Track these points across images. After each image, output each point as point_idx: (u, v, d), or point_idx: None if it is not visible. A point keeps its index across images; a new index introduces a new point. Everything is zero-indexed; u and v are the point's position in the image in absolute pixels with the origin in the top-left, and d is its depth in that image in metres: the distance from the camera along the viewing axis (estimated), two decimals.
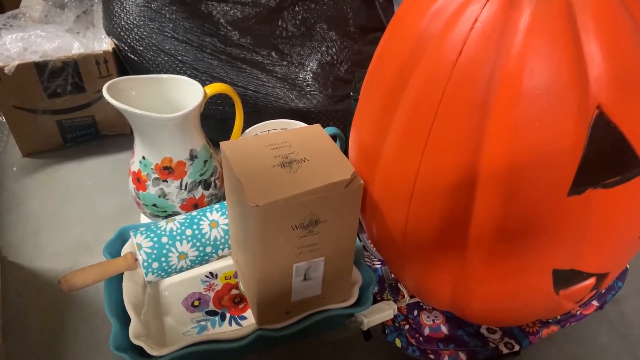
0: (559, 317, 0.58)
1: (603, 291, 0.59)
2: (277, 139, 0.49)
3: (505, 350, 0.56)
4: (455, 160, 0.40)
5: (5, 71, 0.76)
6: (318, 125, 0.52)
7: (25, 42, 0.81)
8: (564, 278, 0.45)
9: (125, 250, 0.58)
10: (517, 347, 0.56)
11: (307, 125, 0.67)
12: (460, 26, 0.39)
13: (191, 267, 0.57)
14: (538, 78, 0.37)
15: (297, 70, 0.81)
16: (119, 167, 0.85)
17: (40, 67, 0.78)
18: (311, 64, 0.82)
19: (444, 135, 0.40)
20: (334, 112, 0.81)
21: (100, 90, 0.83)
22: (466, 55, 0.38)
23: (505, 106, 0.37)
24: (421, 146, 0.42)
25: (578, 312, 0.58)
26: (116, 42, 0.82)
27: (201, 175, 0.65)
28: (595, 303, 0.59)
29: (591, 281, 0.47)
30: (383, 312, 0.55)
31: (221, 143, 0.49)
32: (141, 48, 0.80)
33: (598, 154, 0.38)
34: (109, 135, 0.91)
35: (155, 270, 0.55)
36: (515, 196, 0.39)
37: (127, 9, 0.81)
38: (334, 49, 0.82)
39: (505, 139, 0.38)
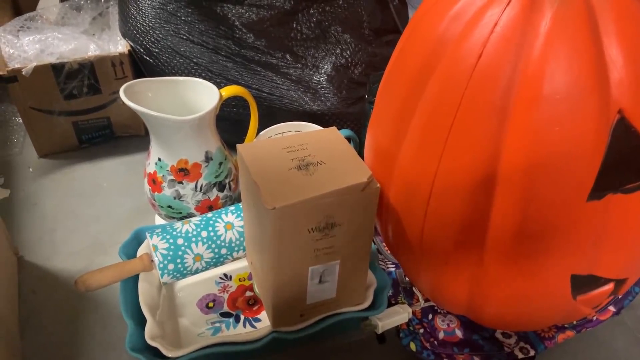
0: (575, 322, 0.57)
1: (620, 297, 0.59)
2: (294, 142, 0.49)
3: (520, 355, 0.55)
4: (473, 163, 0.40)
5: (23, 73, 0.77)
6: (334, 128, 0.52)
7: (42, 44, 0.82)
8: (582, 283, 0.45)
9: (141, 251, 0.58)
10: (532, 352, 0.56)
11: (321, 128, 0.67)
12: (480, 30, 0.39)
13: (206, 268, 0.57)
14: (558, 82, 0.36)
15: (311, 72, 0.81)
16: (134, 168, 0.85)
17: (57, 68, 0.79)
18: (325, 67, 0.82)
19: (462, 138, 0.40)
20: (348, 114, 0.81)
21: (116, 92, 0.84)
22: (486, 59, 0.38)
23: (525, 110, 0.37)
24: (440, 149, 0.42)
25: (594, 318, 0.58)
26: (132, 44, 0.82)
27: (216, 177, 0.65)
28: (612, 308, 0.58)
29: (609, 287, 0.47)
30: (397, 316, 0.55)
31: (238, 145, 0.49)
32: (156, 50, 0.81)
33: (618, 159, 0.38)
34: (123, 136, 0.92)
35: (171, 272, 0.55)
36: (534, 200, 0.39)
37: (143, 11, 0.81)
38: (348, 52, 0.83)
39: (524, 143, 0.38)
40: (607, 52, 0.37)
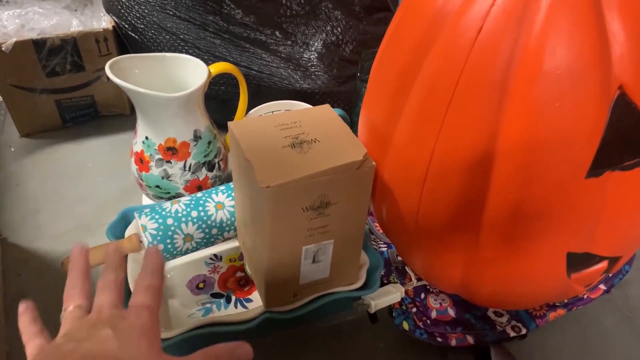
0: (566, 300, 0.58)
1: (611, 275, 0.59)
2: (287, 119, 0.48)
3: (512, 334, 0.56)
4: (472, 141, 0.39)
5: (3, 48, 0.75)
6: (327, 106, 0.51)
7: (22, 19, 0.79)
8: (577, 261, 0.45)
9: (129, 231, 0.57)
10: (524, 331, 0.56)
11: (312, 106, 0.66)
12: (480, 2, 0.38)
13: (197, 249, 0.57)
14: (560, 57, 0.36)
15: (301, 50, 0.80)
16: (120, 148, 0.84)
17: (38, 44, 0.76)
18: (316, 44, 0.80)
19: (461, 115, 0.40)
20: (339, 93, 0.80)
21: (100, 70, 0.82)
22: (486, 33, 0.37)
23: (525, 86, 0.37)
24: (437, 126, 0.41)
25: (585, 296, 0.58)
26: (116, 19, 0.80)
27: (205, 156, 0.64)
28: (602, 287, 0.59)
29: (603, 265, 0.47)
30: (390, 295, 0.55)
31: (229, 123, 0.48)
32: (142, 26, 0.79)
33: (618, 136, 0.38)
34: (108, 115, 0.90)
35: (161, 252, 0.54)
36: (533, 178, 0.39)
37: None
38: (339, 29, 0.81)
39: (524, 120, 0.37)
40: (608, 27, 0.36)
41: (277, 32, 0.80)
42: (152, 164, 0.62)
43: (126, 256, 0.56)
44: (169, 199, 0.65)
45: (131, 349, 0.33)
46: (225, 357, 0.36)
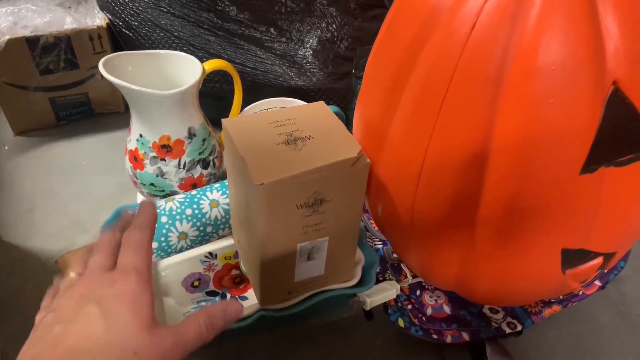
0: (561, 296, 0.58)
1: (606, 271, 0.59)
2: (281, 116, 0.48)
3: (508, 330, 0.56)
4: (466, 137, 0.39)
5: None
6: (322, 103, 0.51)
7: (15, 17, 0.79)
8: (572, 257, 0.45)
9: None
10: (519, 327, 0.56)
11: (307, 103, 0.66)
12: None
13: (191, 247, 0.56)
14: (554, 53, 0.36)
15: (296, 47, 0.79)
16: (114, 146, 0.83)
17: (31, 42, 0.76)
18: (311, 41, 0.80)
19: (455, 112, 0.39)
20: (335, 90, 0.80)
21: (95, 67, 0.81)
22: (480, 29, 0.37)
23: (519, 82, 0.36)
24: (432, 122, 0.41)
25: (581, 292, 0.58)
26: (110, 17, 0.80)
27: (200, 154, 0.64)
28: (597, 283, 0.59)
29: (598, 261, 0.47)
30: (386, 292, 0.55)
31: (223, 120, 0.47)
32: (136, 23, 0.78)
33: (612, 131, 0.37)
34: (103, 113, 0.90)
35: (155, 250, 0.54)
36: (527, 174, 0.39)
37: None
38: (334, 26, 0.81)
39: (518, 116, 0.37)
40: (603, 22, 0.36)
41: (271, 29, 0.80)
42: (147, 161, 0.62)
43: None
44: (164, 196, 0.65)
45: (119, 329, 0.32)
46: (218, 315, 0.36)
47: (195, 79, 0.59)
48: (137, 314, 0.33)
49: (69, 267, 0.38)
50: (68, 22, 0.80)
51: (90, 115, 0.89)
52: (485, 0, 0.37)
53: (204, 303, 0.58)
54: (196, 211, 0.55)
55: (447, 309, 0.58)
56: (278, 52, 0.79)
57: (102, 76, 0.56)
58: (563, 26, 0.35)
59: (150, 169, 0.62)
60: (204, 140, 0.64)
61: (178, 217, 0.54)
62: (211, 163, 0.66)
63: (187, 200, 0.56)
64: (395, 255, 0.64)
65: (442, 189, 0.42)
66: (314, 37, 0.80)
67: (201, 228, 0.55)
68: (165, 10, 0.78)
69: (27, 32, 0.76)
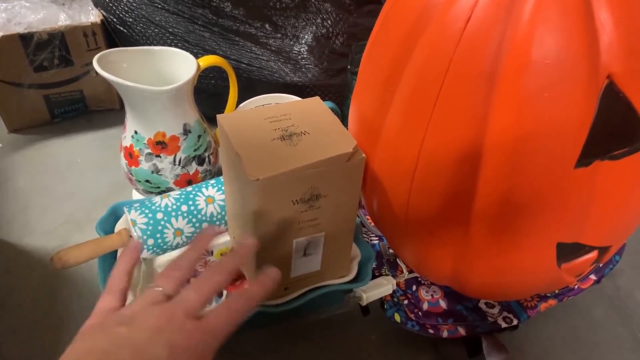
0: (557, 291, 0.58)
1: (601, 265, 0.59)
2: (276, 112, 0.48)
3: (503, 325, 0.56)
4: (461, 132, 0.39)
5: None
6: (317, 98, 0.51)
7: (8, 13, 0.78)
8: (567, 251, 0.45)
9: (119, 226, 0.57)
10: (515, 321, 0.56)
11: (302, 99, 0.66)
12: None
13: (187, 243, 0.56)
14: (548, 47, 0.35)
15: (291, 43, 0.79)
16: (109, 143, 0.83)
17: (25, 39, 0.76)
18: (306, 37, 0.80)
19: (450, 106, 0.39)
20: (330, 86, 0.80)
21: (89, 64, 0.81)
22: (474, 23, 0.37)
23: (514, 76, 0.36)
24: (426, 118, 0.41)
25: (576, 286, 0.58)
26: (104, 13, 0.79)
27: (195, 150, 0.64)
28: (592, 277, 0.59)
29: (593, 254, 0.47)
30: (382, 288, 0.55)
31: (218, 116, 0.47)
32: (130, 20, 0.78)
33: (606, 125, 0.38)
34: (97, 110, 0.89)
35: (151, 247, 0.53)
36: (522, 168, 0.39)
37: None
38: (329, 21, 0.81)
39: (513, 110, 0.37)
40: (596, 16, 0.36)
41: (266, 25, 0.79)
42: (142, 158, 0.62)
43: (116, 252, 0.55)
44: (159, 193, 0.64)
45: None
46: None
47: (190, 75, 0.59)
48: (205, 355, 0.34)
49: (157, 279, 0.37)
50: (62, 18, 0.79)
51: (85, 112, 0.88)
52: None
53: None
54: (192, 207, 0.55)
55: (443, 303, 0.58)
56: (273, 48, 0.79)
57: (96, 73, 0.56)
58: (557, 20, 0.35)
59: (145, 165, 0.62)
60: (199, 136, 0.64)
61: (174, 213, 0.54)
62: (207, 159, 0.65)
63: (183, 196, 0.56)
64: (391, 250, 0.64)
65: (437, 184, 0.42)
66: (309, 33, 0.80)
67: (197, 224, 0.55)
68: (159, 6, 0.77)
69: (20, 29, 0.76)
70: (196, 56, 0.62)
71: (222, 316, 0.36)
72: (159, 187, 0.64)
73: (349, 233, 0.51)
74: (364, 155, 0.44)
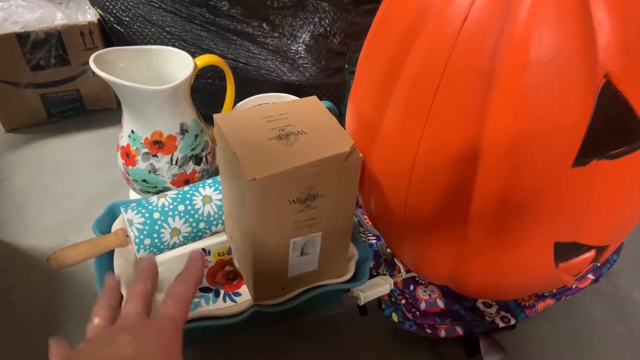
0: (554, 290, 0.58)
1: (599, 264, 0.59)
2: (273, 111, 0.48)
3: (501, 324, 0.56)
4: (458, 131, 0.39)
5: None
6: (314, 97, 0.50)
7: (4, 12, 0.78)
8: (565, 251, 0.45)
9: (115, 226, 0.57)
10: (513, 321, 0.56)
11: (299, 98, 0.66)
12: None
13: (184, 243, 0.56)
14: (546, 46, 0.35)
15: (289, 42, 0.79)
16: (106, 143, 0.83)
17: (21, 38, 0.75)
18: (303, 36, 0.79)
19: (447, 105, 0.39)
20: (328, 85, 0.79)
21: (86, 63, 0.81)
22: (471, 22, 0.37)
23: (511, 75, 0.36)
24: (424, 117, 0.41)
25: (574, 286, 0.58)
26: (101, 12, 0.79)
27: (192, 150, 0.63)
28: (590, 276, 0.59)
29: (591, 254, 0.47)
30: (379, 287, 0.55)
31: (215, 115, 0.47)
32: (127, 19, 0.78)
33: (604, 124, 0.37)
34: (95, 110, 0.89)
35: (147, 247, 0.53)
36: (519, 168, 0.39)
37: None
38: (327, 20, 0.80)
39: (510, 109, 0.37)
40: (594, 15, 0.36)
41: (264, 24, 0.79)
42: (139, 157, 0.62)
43: (113, 252, 0.55)
44: (156, 193, 0.64)
45: (147, 356, 0.33)
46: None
47: (187, 75, 0.59)
48: (166, 350, 0.34)
49: (92, 315, 0.39)
50: (59, 17, 0.79)
51: (82, 111, 0.88)
52: None
53: (197, 299, 0.58)
54: (189, 207, 0.55)
55: (440, 303, 0.58)
56: (270, 47, 0.79)
57: (93, 72, 0.56)
58: (554, 19, 0.35)
59: (142, 165, 0.62)
60: (196, 136, 0.63)
61: (170, 213, 0.54)
62: (204, 159, 0.65)
63: (180, 196, 0.55)
64: (388, 250, 0.64)
65: (435, 184, 0.42)
66: (307, 32, 0.80)
67: (194, 224, 0.55)
68: (156, 5, 0.77)
69: (17, 28, 0.75)
70: (193, 55, 0.62)
71: (170, 301, 0.38)
72: (156, 187, 0.64)
73: (346, 232, 0.51)
74: (361, 154, 0.44)
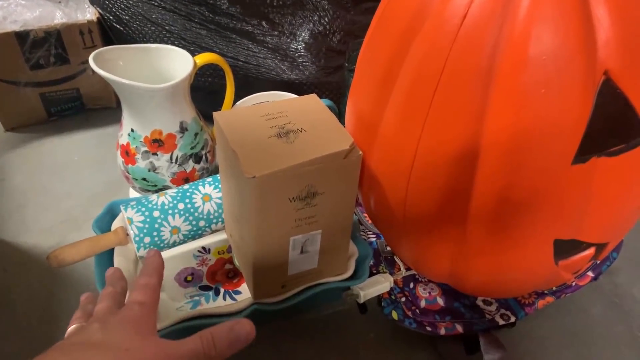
0: (554, 288, 0.58)
1: (598, 262, 0.59)
2: (273, 109, 0.48)
3: (501, 322, 0.56)
4: (458, 129, 0.39)
5: None
6: (314, 95, 0.50)
7: (4, 11, 0.78)
8: (565, 248, 0.45)
9: (115, 224, 0.56)
10: (513, 319, 0.56)
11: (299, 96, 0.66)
12: None
13: (184, 241, 0.56)
14: (545, 43, 0.35)
15: (288, 40, 0.79)
16: (106, 141, 0.83)
17: (21, 37, 0.75)
18: (303, 34, 0.79)
19: (446, 103, 0.39)
20: (327, 84, 0.79)
21: (85, 62, 0.81)
22: (471, 20, 0.37)
23: (510, 73, 0.36)
24: (423, 115, 0.41)
25: (574, 283, 0.58)
26: (101, 11, 0.79)
27: (192, 148, 0.63)
28: (590, 274, 0.59)
29: (591, 251, 0.47)
30: (379, 285, 0.55)
31: (214, 113, 0.47)
32: (127, 17, 0.78)
33: (603, 122, 0.37)
34: (94, 108, 0.89)
35: (147, 245, 0.53)
36: (519, 166, 0.39)
37: None
38: (326, 19, 0.80)
39: (510, 107, 0.37)
40: (594, 12, 0.36)
41: (263, 23, 0.79)
42: (138, 156, 0.62)
43: (113, 250, 0.55)
44: (156, 191, 0.64)
45: (116, 336, 0.34)
46: (223, 336, 0.36)
47: (187, 73, 0.59)
48: (137, 328, 0.35)
49: (70, 322, 0.40)
50: (58, 16, 0.79)
51: (82, 110, 0.88)
52: None
53: (197, 298, 0.58)
54: (189, 205, 0.55)
55: (440, 301, 0.58)
56: (270, 46, 0.79)
57: (93, 71, 0.56)
58: (554, 16, 0.35)
59: (142, 163, 0.62)
60: (196, 134, 0.63)
61: (170, 211, 0.54)
62: (203, 157, 0.65)
63: (180, 194, 0.55)
64: (388, 248, 0.64)
65: (435, 182, 0.42)
66: (306, 31, 0.80)
67: (194, 222, 0.55)
68: (156, 4, 0.77)
69: (16, 27, 0.75)
70: (193, 53, 0.62)
71: (136, 290, 0.39)
72: (155, 185, 0.64)
73: (346, 230, 0.51)
74: (361, 152, 0.44)
